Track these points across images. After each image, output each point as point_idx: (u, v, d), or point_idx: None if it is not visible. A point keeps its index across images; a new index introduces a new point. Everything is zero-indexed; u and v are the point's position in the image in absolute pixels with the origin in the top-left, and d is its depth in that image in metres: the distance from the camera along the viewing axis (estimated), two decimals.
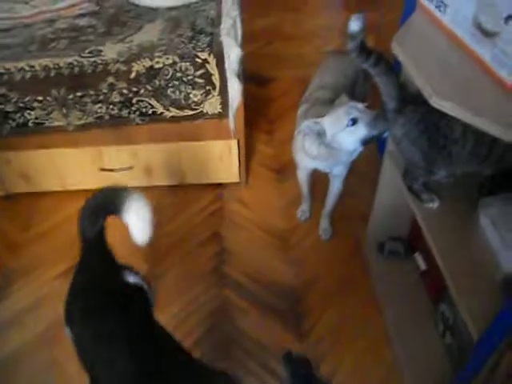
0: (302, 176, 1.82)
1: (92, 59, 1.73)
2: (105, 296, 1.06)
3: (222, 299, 1.71)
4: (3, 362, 1.55)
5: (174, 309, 1.67)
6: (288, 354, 0.90)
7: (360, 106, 1.37)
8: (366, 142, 1.38)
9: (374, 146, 2.06)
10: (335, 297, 1.69)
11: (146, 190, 2.10)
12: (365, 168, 1.98)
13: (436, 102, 0.85)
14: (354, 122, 1.35)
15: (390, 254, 1.73)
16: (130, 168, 2.01)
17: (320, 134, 1.38)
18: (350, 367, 1.49)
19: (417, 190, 1.28)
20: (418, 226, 1.41)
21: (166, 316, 1.60)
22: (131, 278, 1.13)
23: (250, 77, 2.56)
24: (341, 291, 1.71)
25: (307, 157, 1.58)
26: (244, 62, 1.86)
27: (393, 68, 1.13)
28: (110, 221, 1.16)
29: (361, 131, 1.36)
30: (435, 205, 1.26)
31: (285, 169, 2.21)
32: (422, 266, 1.61)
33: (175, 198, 2.12)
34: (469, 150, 1.10)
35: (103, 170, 2.00)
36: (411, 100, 1.17)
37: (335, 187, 1.77)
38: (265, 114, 2.57)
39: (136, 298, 1.12)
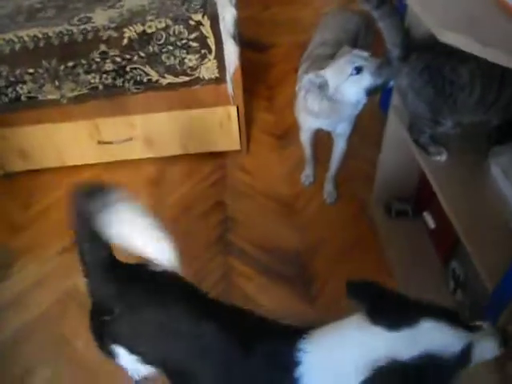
0: (305, 138, 1.77)
1: (82, 27, 1.67)
2: (152, 289, 1.01)
3: (228, 267, 1.68)
4: (11, 339, 1.54)
5: None
6: (350, 283, 0.83)
7: (364, 54, 1.31)
8: (370, 93, 1.33)
9: (376, 101, 2.00)
10: (342, 260, 1.66)
11: (148, 162, 2.08)
12: (368, 124, 1.93)
13: (443, 36, 0.79)
14: (359, 70, 1.30)
15: (397, 214, 1.69)
16: (130, 139, 1.96)
17: (322, 87, 1.32)
18: None
19: (424, 143, 1.24)
20: (424, 185, 1.36)
21: None
22: (157, 267, 1.06)
23: (248, 43, 2.49)
24: (348, 254, 1.68)
25: (310, 115, 1.53)
26: (241, 27, 1.79)
27: (397, 10, 1.07)
28: None
29: (366, 80, 1.31)
30: (443, 157, 1.22)
31: (286, 134, 2.16)
32: (431, 224, 1.57)
33: (177, 168, 2.08)
34: (476, 96, 1.06)
35: (101, 142, 1.96)
36: (415, 48, 1.12)
37: (339, 147, 1.72)
38: (264, 81, 2.50)
39: (177, 278, 1.07)
